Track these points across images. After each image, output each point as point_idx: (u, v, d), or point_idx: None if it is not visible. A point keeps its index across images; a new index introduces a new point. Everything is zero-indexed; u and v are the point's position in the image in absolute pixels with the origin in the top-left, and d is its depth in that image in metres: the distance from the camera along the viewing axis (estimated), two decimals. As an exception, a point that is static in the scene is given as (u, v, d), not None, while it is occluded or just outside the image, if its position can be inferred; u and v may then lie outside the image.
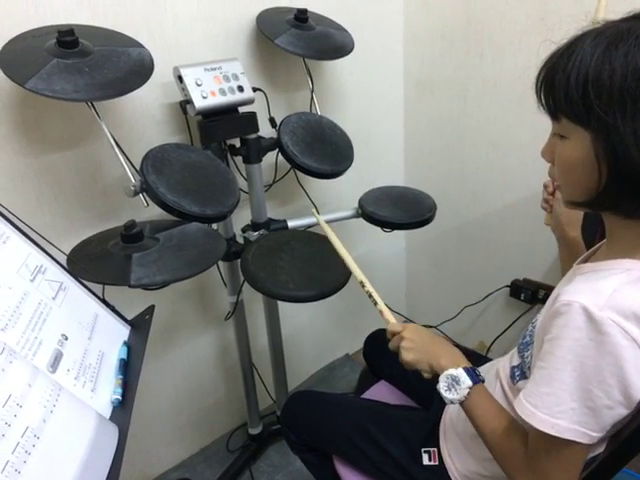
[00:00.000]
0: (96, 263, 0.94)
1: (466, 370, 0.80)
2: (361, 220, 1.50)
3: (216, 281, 1.53)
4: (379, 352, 1.30)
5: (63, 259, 0.93)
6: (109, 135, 1.12)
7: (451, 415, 0.96)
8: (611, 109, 0.58)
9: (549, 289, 1.74)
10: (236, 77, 1.33)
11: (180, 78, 1.25)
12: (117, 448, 0.63)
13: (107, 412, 0.70)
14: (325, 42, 1.44)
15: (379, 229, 1.49)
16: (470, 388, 0.78)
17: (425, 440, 0.97)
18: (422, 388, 1.15)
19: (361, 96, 1.80)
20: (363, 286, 0.94)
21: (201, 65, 1.28)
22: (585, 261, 0.77)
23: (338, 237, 1.02)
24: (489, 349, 1.94)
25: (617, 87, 0.58)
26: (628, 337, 0.59)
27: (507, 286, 1.85)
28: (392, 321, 0.92)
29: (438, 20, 1.72)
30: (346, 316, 2.09)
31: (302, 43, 1.38)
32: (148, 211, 1.40)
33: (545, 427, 0.64)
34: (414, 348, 0.87)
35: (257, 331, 1.72)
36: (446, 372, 0.81)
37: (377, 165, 1.94)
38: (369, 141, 1.87)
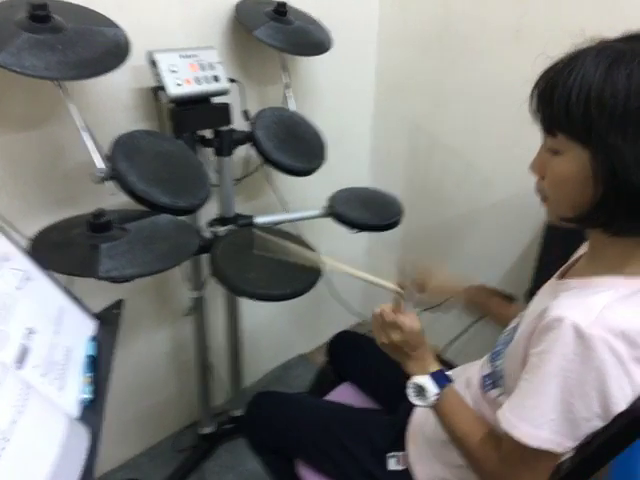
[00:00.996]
0: (61, 252, 0.88)
1: (433, 376, 0.81)
2: (322, 220, 1.48)
3: (174, 276, 1.48)
4: (344, 354, 1.29)
5: (25, 247, 0.87)
6: (78, 118, 1.06)
7: (419, 420, 0.97)
8: (613, 129, 0.58)
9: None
10: (212, 66, 1.29)
11: (154, 63, 1.20)
12: (90, 451, 0.59)
13: (75, 412, 0.65)
14: (304, 37, 1.42)
15: (340, 230, 1.49)
16: (437, 395, 0.80)
17: (392, 444, 0.98)
18: (388, 391, 1.15)
19: (333, 95, 1.79)
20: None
21: (176, 51, 1.24)
22: (562, 275, 0.79)
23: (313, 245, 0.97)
24: (442, 353, 1.97)
25: (620, 108, 0.58)
26: (615, 354, 0.60)
27: (464, 292, 1.89)
28: (388, 307, 0.87)
29: (413, 24, 1.72)
30: (302, 316, 2.07)
31: (281, 36, 1.35)
32: (111, 199, 1.34)
33: (527, 439, 0.65)
34: (392, 350, 0.87)
35: (214, 328, 1.68)
36: (413, 380, 0.82)
37: (343, 165, 1.93)
38: (338, 140, 1.86)
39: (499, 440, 0.74)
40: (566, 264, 0.82)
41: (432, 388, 0.80)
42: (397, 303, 0.86)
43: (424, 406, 0.81)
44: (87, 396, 0.67)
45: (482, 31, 1.57)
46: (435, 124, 1.79)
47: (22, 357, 0.63)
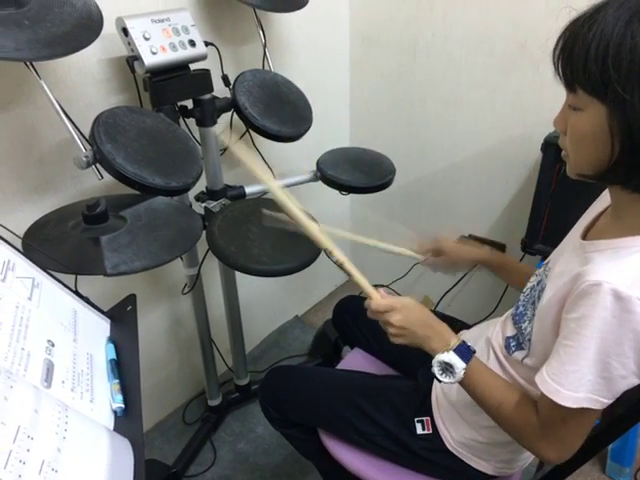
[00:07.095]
0: (60, 250, 0.83)
1: (457, 351, 0.79)
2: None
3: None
4: (351, 320, 1.28)
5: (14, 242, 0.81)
6: (51, 97, 0.98)
7: (443, 385, 0.97)
8: (629, 85, 0.57)
9: (493, 245, 1.81)
10: (186, 30, 1.20)
11: (125, 31, 1.11)
12: (135, 465, 0.57)
13: (110, 424, 0.63)
14: (280, -8, 1.33)
15: (324, 190, 1.45)
16: (465, 369, 0.78)
17: (417, 409, 0.98)
18: (399, 354, 1.16)
19: (308, 51, 1.71)
20: (329, 255, 0.91)
21: (147, 16, 1.14)
22: (585, 234, 0.78)
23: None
24: (437, 304, 2.00)
25: (637, 63, 0.56)
26: None
27: (454, 242, 1.89)
28: (375, 296, 0.88)
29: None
30: (295, 277, 2.05)
31: (257, -7, 1.27)
32: (91, 182, 1.27)
33: (568, 402, 0.66)
34: (404, 335, 0.85)
35: (211, 300, 1.66)
36: (438, 358, 0.80)
37: (322, 125, 1.87)
38: (317, 99, 1.79)
39: (534, 402, 0.76)
40: (584, 222, 0.81)
41: (459, 363, 0.78)
42: (370, 293, 0.89)
43: (452, 382, 0.79)
44: (120, 405, 0.64)
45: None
46: (414, 75, 1.74)
47: (48, 375, 0.59)
